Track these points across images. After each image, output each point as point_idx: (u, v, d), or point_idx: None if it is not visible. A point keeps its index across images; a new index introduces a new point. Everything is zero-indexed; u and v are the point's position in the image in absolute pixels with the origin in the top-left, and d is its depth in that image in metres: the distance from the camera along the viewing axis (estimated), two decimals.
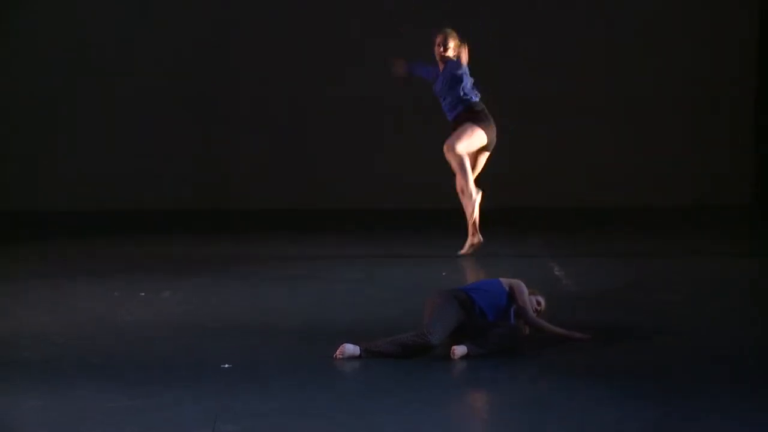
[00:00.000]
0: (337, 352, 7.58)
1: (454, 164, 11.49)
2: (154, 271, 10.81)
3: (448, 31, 11.51)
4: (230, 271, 10.97)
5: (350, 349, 7.58)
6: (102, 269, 10.95)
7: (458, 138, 11.43)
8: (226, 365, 7.44)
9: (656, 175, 15.56)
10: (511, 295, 7.94)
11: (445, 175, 11.76)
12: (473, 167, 11.58)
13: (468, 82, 11.47)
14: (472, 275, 10.73)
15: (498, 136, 11.54)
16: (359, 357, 7.54)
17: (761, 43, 15.51)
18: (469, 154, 11.47)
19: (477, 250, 11.50)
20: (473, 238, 11.52)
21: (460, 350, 7.58)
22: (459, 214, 11.61)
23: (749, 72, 15.58)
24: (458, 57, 11.45)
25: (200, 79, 15.40)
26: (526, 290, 8.00)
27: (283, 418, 6.46)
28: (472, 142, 11.48)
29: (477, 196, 11.49)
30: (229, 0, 15.46)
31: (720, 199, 15.44)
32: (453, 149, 11.42)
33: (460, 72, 11.40)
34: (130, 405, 6.66)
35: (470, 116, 11.48)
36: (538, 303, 8.08)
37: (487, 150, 11.62)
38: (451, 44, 11.46)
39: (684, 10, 15.61)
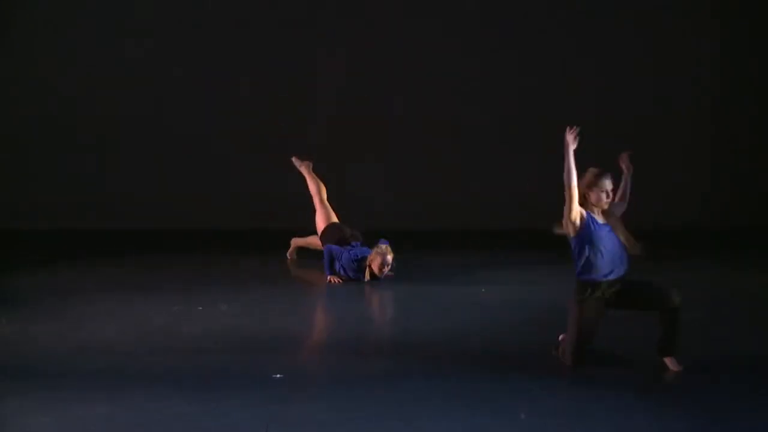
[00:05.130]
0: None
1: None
2: (209, 287, 10.76)
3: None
4: (281, 287, 10.92)
5: None
6: (161, 285, 10.93)
7: None
8: (278, 375, 7.40)
9: (666, 194, 15.38)
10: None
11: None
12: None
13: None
14: (511, 291, 10.63)
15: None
16: None
17: None
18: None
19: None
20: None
21: None
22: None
23: (755, 89, 15.42)
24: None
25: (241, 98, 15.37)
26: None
27: (332, 426, 6.42)
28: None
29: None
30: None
31: (727, 217, 15.25)
32: None
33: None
34: (189, 412, 6.65)
35: None
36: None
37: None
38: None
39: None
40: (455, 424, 6.44)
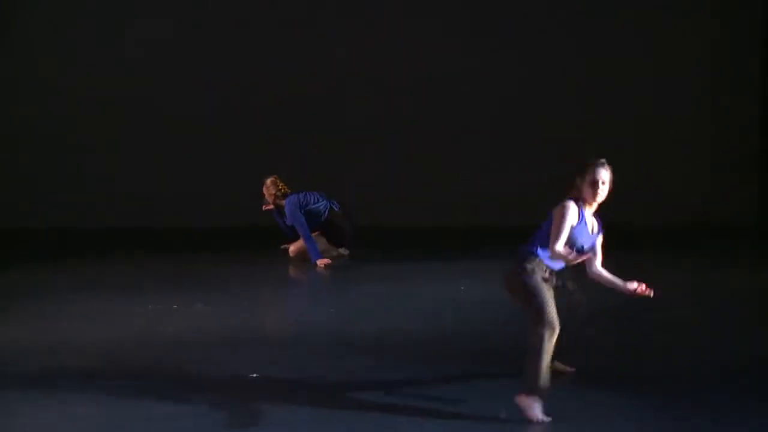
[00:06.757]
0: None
1: None
2: (185, 286, 10.53)
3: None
4: (259, 286, 10.71)
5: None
6: (136, 284, 10.67)
7: None
8: (254, 375, 7.15)
9: (666, 194, 15.08)
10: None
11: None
12: None
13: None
14: (490, 288, 10.31)
15: None
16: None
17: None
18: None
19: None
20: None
21: None
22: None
23: (754, 89, 15.11)
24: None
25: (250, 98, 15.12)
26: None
27: (311, 425, 6.17)
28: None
29: None
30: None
31: (728, 217, 14.94)
32: None
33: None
34: (167, 412, 6.41)
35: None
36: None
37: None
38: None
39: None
40: (431, 428, 6.14)
